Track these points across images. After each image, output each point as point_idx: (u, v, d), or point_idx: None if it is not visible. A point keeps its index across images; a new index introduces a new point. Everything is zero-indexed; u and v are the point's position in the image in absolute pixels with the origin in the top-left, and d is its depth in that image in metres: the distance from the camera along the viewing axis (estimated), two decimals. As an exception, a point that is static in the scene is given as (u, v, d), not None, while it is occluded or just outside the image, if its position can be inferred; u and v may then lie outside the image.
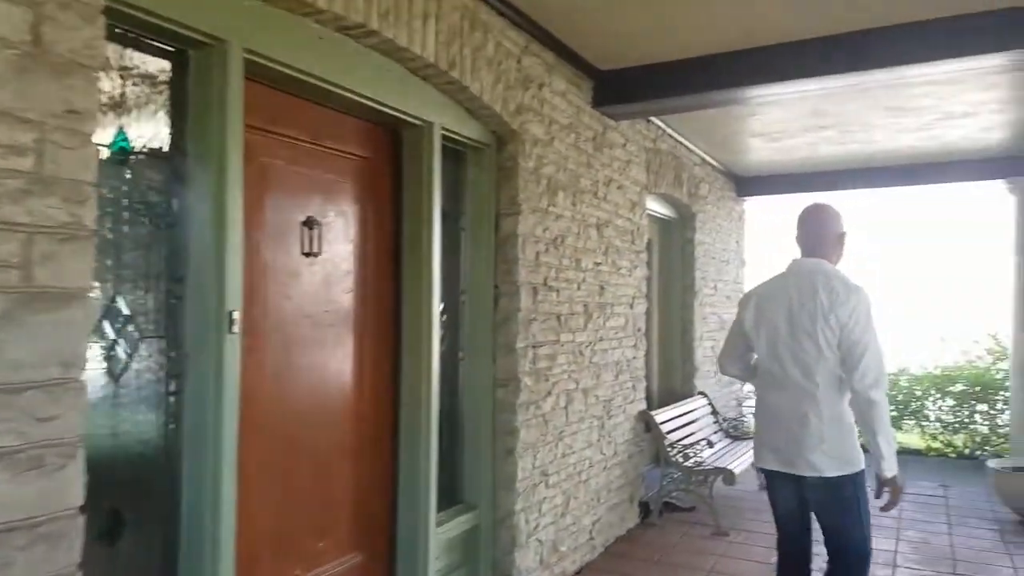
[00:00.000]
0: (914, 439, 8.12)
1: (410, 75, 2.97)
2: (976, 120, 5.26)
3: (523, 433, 3.62)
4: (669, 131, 5.57)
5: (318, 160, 2.76)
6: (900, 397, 7.98)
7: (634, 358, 5.12)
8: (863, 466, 2.68)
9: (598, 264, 4.47)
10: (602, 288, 4.53)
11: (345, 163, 2.90)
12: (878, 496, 2.67)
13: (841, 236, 2.83)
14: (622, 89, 4.21)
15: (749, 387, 9.52)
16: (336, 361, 2.87)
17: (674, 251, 6.59)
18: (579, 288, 4.22)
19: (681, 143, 5.93)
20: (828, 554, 2.77)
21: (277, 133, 2.56)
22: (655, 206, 6.08)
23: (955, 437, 7.78)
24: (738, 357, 3.02)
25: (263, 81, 2.42)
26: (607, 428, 4.67)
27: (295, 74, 2.43)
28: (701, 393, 6.52)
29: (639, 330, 5.19)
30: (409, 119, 3.03)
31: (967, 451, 7.63)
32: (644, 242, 5.25)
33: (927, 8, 3.31)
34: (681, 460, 5.20)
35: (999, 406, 7.41)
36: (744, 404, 8.42)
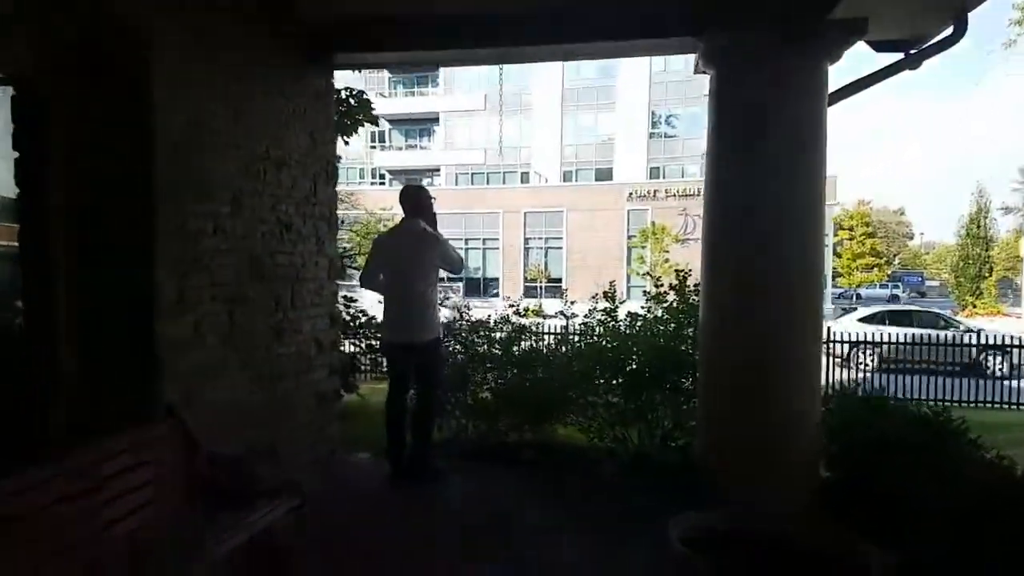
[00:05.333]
0: (575, 433, 5.80)
1: None
2: None
3: None
4: None
5: None
6: (557, 384, 5.53)
7: None
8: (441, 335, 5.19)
9: None
10: None
11: None
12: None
13: (431, 206, 4.96)
14: None
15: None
16: None
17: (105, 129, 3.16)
18: None
19: None
20: (418, 395, 4.99)
21: None
22: None
23: (630, 429, 5.53)
24: (376, 277, 4.95)
25: None
26: None
27: None
28: (168, 409, 3.26)
29: None
30: None
31: (641, 450, 5.39)
32: None
33: None
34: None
35: (687, 387, 5.24)
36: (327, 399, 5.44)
